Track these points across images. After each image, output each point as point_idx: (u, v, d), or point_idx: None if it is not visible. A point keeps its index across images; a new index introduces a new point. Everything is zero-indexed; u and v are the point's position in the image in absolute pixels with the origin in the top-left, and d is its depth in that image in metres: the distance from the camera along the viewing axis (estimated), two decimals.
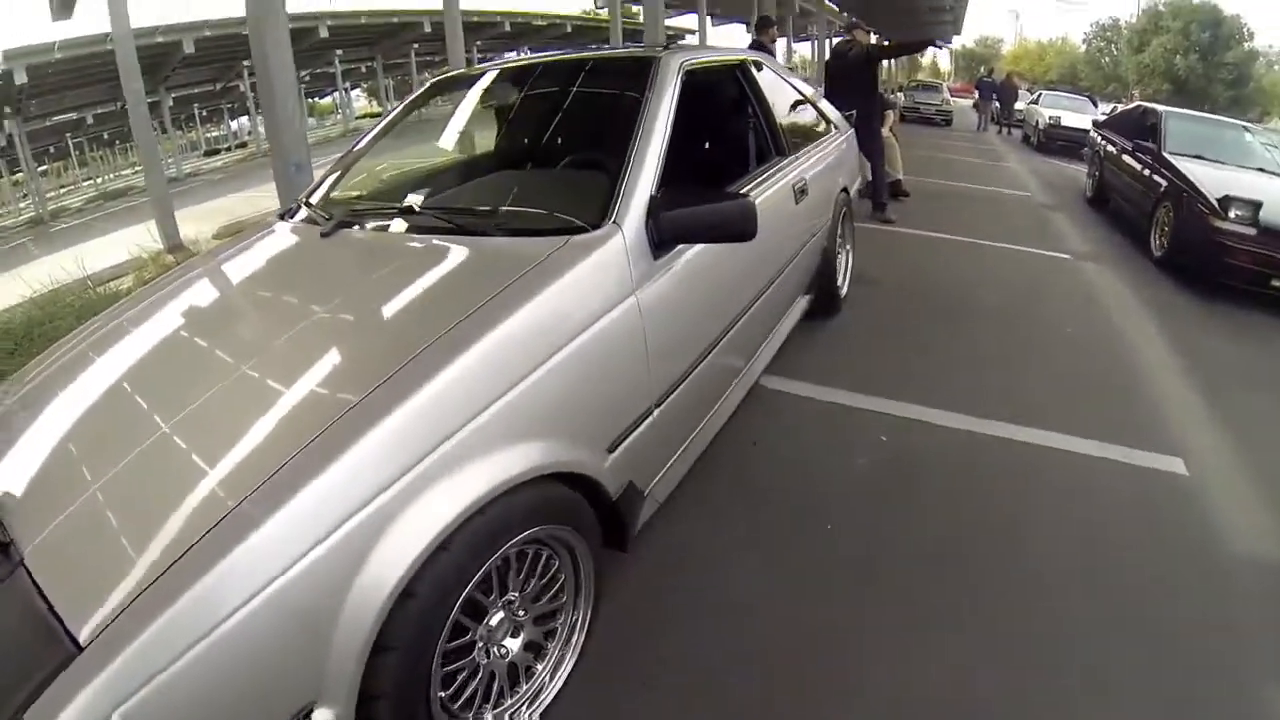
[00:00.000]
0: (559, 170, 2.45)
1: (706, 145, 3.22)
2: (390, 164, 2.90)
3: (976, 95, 21.77)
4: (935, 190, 8.82)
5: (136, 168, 35.08)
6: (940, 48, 22.88)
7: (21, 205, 28.20)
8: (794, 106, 3.54)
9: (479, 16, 28.70)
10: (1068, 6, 53.14)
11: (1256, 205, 5.14)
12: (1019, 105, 19.50)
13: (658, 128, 1.98)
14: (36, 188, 26.07)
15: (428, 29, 27.12)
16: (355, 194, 2.54)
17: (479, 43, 36.20)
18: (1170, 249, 5.84)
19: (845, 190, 3.88)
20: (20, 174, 28.35)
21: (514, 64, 3.35)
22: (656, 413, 1.76)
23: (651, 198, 1.80)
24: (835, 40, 6.96)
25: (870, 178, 6.47)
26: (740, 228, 1.75)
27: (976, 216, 7.46)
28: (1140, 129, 7.42)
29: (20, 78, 18.25)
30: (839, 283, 4.00)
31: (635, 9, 35.78)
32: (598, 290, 1.61)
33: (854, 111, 4.88)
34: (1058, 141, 14.57)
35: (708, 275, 2.03)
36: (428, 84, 3.05)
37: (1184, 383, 3.70)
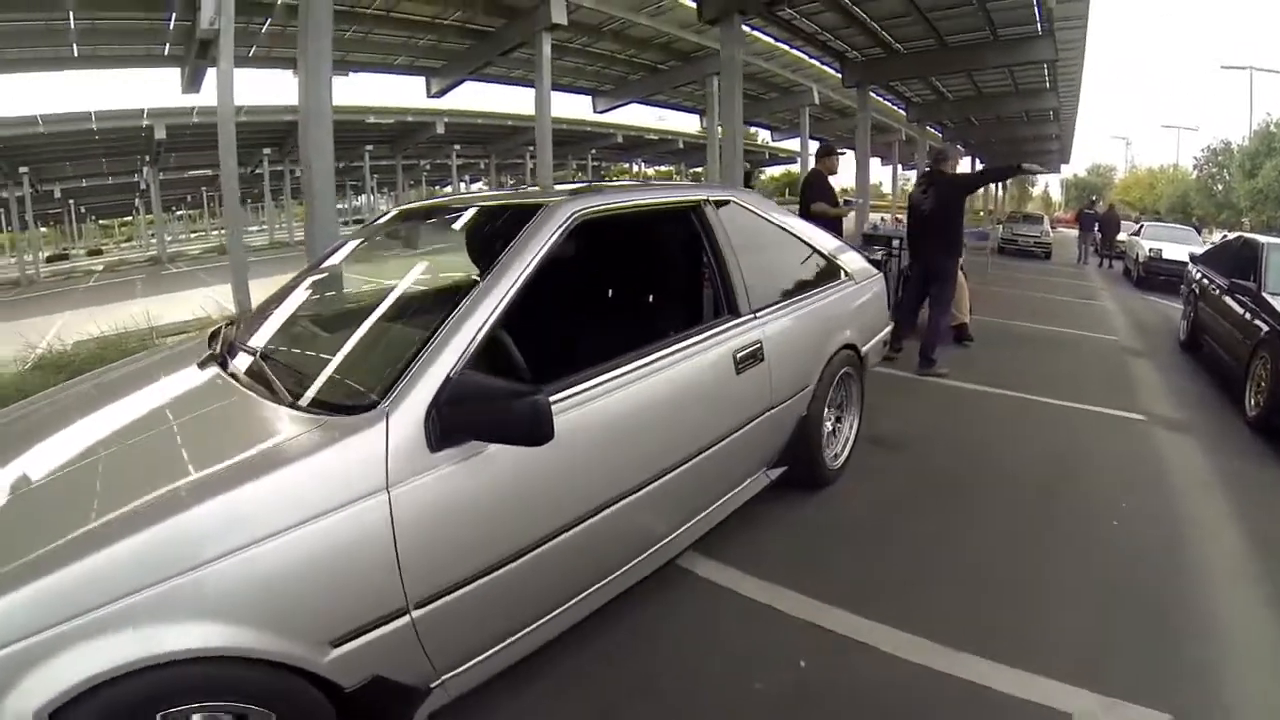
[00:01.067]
0: (394, 328, 2.12)
1: (608, 309, 3.01)
2: (314, 292, 2.72)
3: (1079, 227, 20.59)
4: (1009, 333, 7.87)
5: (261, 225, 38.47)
6: (1036, 174, 22.12)
7: (151, 242, 33.98)
8: (781, 253, 3.16)
9: (592, 127, 30.08)
10: (1180, 132, 50.63)
11: None
12: (1121, 236, 18.19)
13: (490, 296, 1.83)
14: (161, 232, 31.28)
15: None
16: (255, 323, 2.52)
17: (593, 151, 37.95)
18: (1267, 408, 4.74)
19: (852, 348, 3.38)
20: (150, 216, 34.01)
21: (442, 202, 3.14)
22: (421, 612, 1.61)
23: (447, 380, 1.65)
24: (920, 171, 6.39)
25: (938, 324, 5.77)
26: (527, 430, 1.58)
27: (1046, 366, 6.47)
28: (1239, 263, 6.39)
29: (160, 134, 21.39)
30: (831, 454, 3.43)
31: (753, 130, 36.72)
32: (336, 482, 1.52)
33: (893, 253, 4.27)
34: (1159, 276, 13.30)
35: (540, 466, 1.78)
36: (392, 213, 3.04)
37: (1257, 612, 2.69)
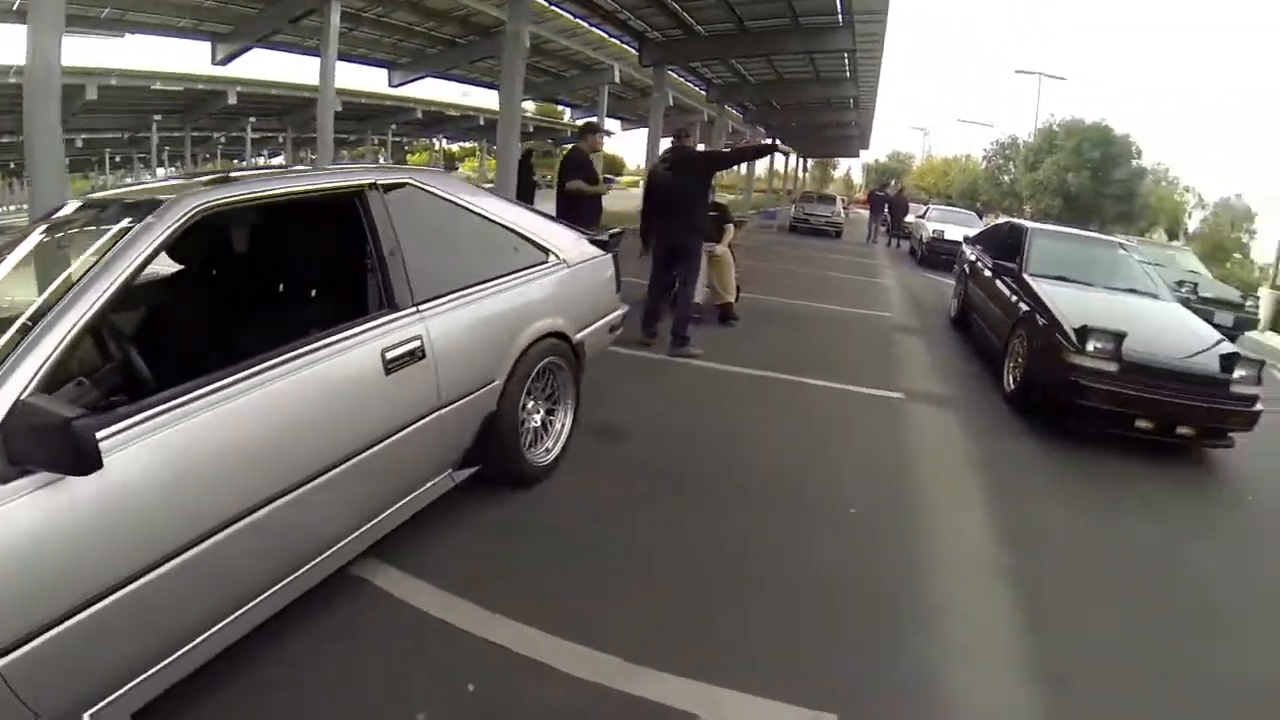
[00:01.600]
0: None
1: (257, 308, 2.76)
2: None
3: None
4: (783, 312, 7.83)
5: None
6: (786, 154, 22.99)
7: None
8: (466, 239, 2.91)
9: (393, 102, 28.25)
10: (974, 126, 56.20)
11: (1119, 336, 4.35)
12: (909, 218, 19.59)
13: (77, 306, 1.62)
14: None
15: (339, 107, 26.47)
16: None
17: (393, 126, 35.73)
18: (1021, 385, 4.95)
19: (559, 336, 3.14)
20: None
21: (118, 193, 2.58)
22: (8, 660, 1.40)
23: (15, 405, 1.45)
24: (664, 148, 6.20)
25: (686, 303, 5.54)
26: (72, 460, 1.41)
27: (813, 345, 6.46)
28: (1006, 246, 6.71)
29: None
30: (541, 449, 3.19)
31: (560, 109, 36.09)
32: None
33: (620, 231, 3.99)
34: (940, 255, 14.25)
35: (137, 486, 1.62)
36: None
37: (1003, 598, 2.61)
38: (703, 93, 22.62)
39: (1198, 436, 4.43)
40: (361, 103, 25.08)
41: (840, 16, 13.50)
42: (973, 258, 7.68)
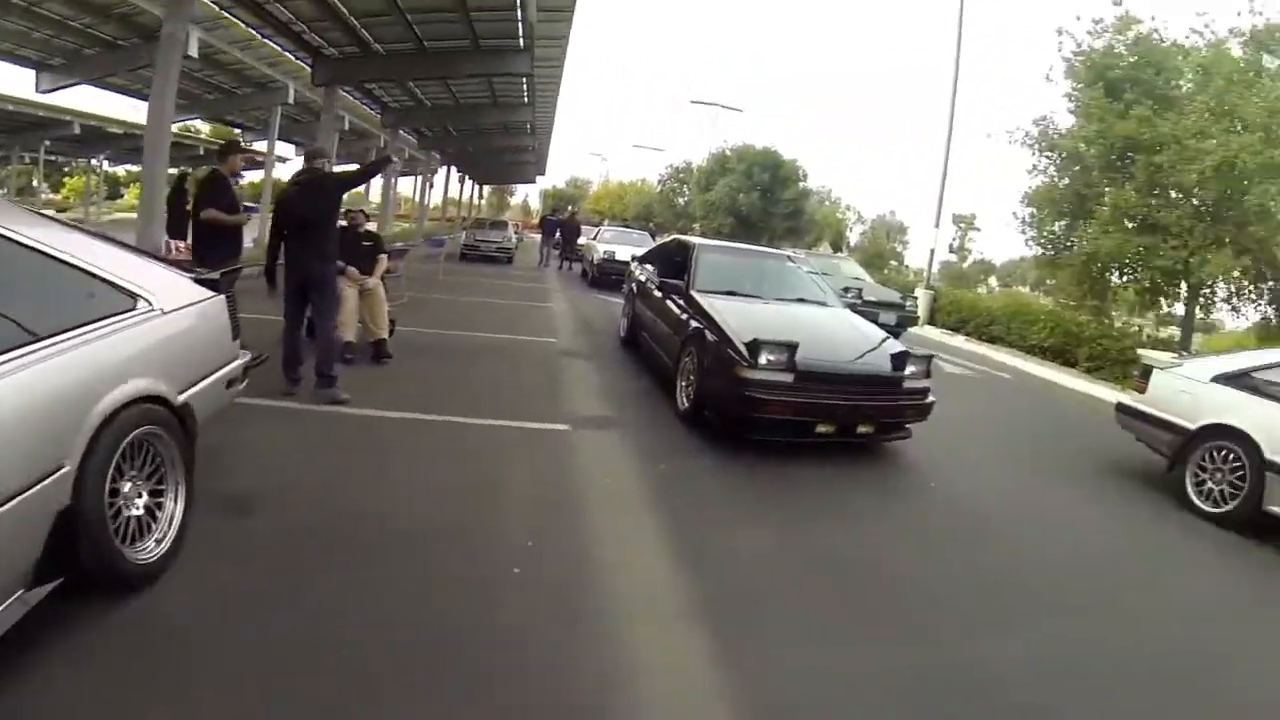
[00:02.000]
0: None
1: None
2: None
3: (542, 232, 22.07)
4: (441, 345, 7.18)
5: None
6: (395, 169, 22.35)
7: None
8: (15, 285, 2.25)
9: (46, 111, 21.49)
10: (649, 152, 60.53)
11: (791, 347, 4.45)
12: (582, 240, 20.06)
13: None
14: None
15: None
16: None
17: (47, 142, 27.32)
18: (695, 403, 4.90)
19: (156, 400, 2.54)
20: None
21: None
22: None
23: None
24: (295, 173, 5.28)
25: (327, 339, 4.73)
26: None
27: (474, 379, 5.96)
28: (673, 263, 6.77)
29: None
30: (150, 542, 2.52)
31: (237, 131, 30.36)
32: None
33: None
34: (611, 276, 14.64)
35: None
36: None
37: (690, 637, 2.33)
38: (378, 116, 21.03)
39: (877, 432, 4.75)
40: (8, 110, 18.79)
41: (521, 40, 13.28)
42: (641, 277, 7.72)
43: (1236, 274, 10.72)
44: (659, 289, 6.54)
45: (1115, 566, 3.70)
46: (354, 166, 5.12)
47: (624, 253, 14.78)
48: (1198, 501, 4.72)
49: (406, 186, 41.26)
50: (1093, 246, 11.48)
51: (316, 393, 4.59)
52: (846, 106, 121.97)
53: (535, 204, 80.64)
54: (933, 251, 17.03)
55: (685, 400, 5.11)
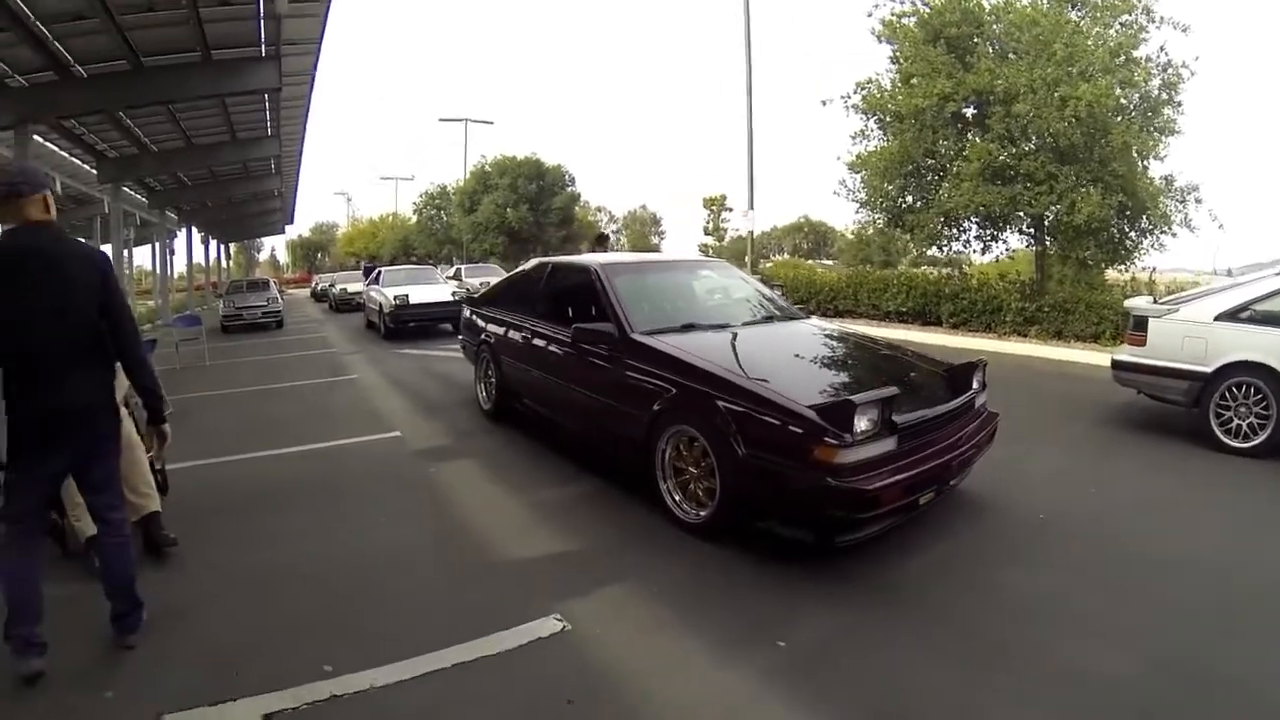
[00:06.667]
0: None
1: None
2: None
3: (365, 279, 18.07)
4: (242, 490, 4.39)
5: None
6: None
7: None
8: None
9: None
10: (398, 182, 55.22)
11: (888, 400, 3.03)
12: (356, 287, 17.06)
13: None
14: None
15: None
16: None
17: None
18: (723, 509, 3.22)
19: None
20: None
21: None
22: None
23: None
24: None
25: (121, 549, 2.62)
26: None
27: (327, 569, 3.26)
28: (568, 303, 4.72)
29: None
30: None
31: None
32: None
33: None
34: (409, 324, 12.40)
35: None
36: None
37: None
38: (94, 171, 15.54)
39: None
40: None
41: (264, 47, 10.29)
42: (499, 330, 5.72)
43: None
44: (554, 340, 4.66)
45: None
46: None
47: (420, 293, 12.65)
48: (1227, 440, 4.75)
49: (143, 257, 34.11)
50: (953, 202, 11.25)
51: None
52: (596, 104, 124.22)
53: (283, 257, 71.82)
54: (751, 234, 16.31)
55: (692, 507, 3.42)
